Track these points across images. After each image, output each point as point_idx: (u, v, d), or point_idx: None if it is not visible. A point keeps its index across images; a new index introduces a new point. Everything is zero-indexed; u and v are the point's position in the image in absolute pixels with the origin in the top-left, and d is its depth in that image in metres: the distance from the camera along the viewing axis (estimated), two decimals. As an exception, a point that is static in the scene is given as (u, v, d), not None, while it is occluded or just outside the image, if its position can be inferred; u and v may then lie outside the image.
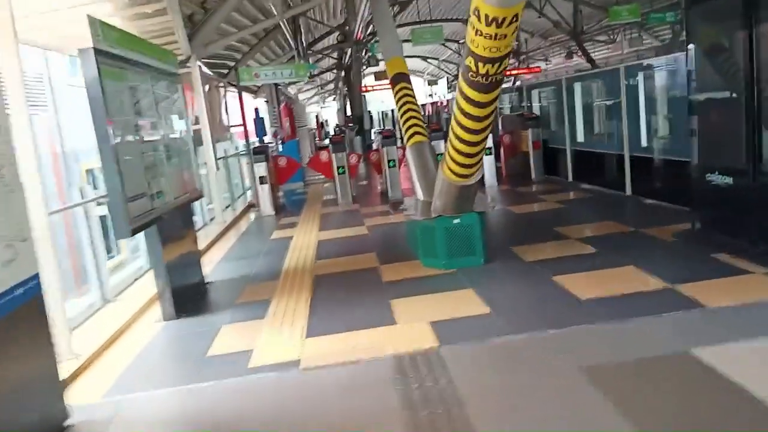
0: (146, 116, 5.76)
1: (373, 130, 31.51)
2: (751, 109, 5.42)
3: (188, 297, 6.12)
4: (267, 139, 18.92)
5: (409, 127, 8.19)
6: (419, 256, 6.68)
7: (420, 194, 7.27)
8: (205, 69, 12.63)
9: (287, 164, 12.40)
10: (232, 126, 15.14)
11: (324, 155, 12.35)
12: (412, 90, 8.87)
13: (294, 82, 27.39)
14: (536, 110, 12.68)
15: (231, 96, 18.34)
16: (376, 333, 4.74)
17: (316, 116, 43.55)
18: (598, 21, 26.26)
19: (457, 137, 5.22)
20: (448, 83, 43.80)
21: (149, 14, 8.45)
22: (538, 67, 29.87)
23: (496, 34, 4.08)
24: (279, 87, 23.82)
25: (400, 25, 23.95)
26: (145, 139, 5.64)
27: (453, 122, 5.24)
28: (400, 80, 8.96)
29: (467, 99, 4.75)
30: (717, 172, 6.04)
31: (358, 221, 9.78)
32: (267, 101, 19.36)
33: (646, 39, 25.95)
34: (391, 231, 8.74)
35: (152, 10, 8.27)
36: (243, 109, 13.52)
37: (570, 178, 11.15)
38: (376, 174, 13.39)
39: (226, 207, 12.55)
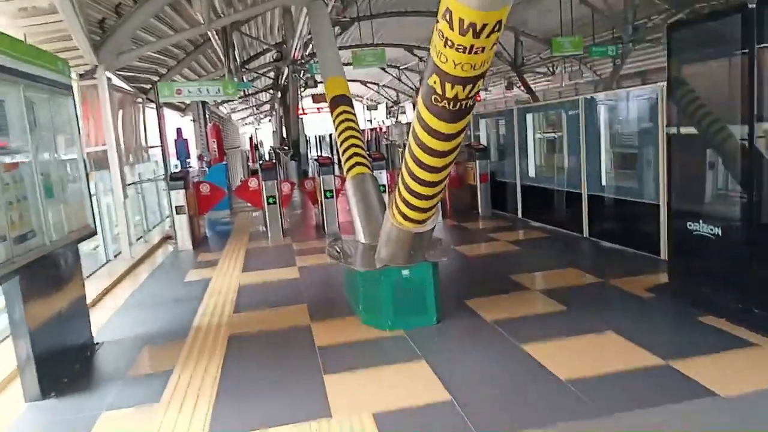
0: (11, 135, 4.46)
1: (309, 156, 30.38)
2: (750, 147, 4.66)
3: (66, 365, 4.79)
4: (193, 161, 17.50)
5: (350, 157, 7.13)
6: (358, 311, 5.59)
7: (361, 236, 6.20)
8: (118, 82, 11.23)
9: (210, 192, 11.09)
10: (152, 147, 13.69)
11: (253, 182, 11.12)
12: (354, 114, 7.83)
13: (225, 101, 26.01)
14: (483, 141, 11.89)
15: (155, 114, 16.86)
16: (304, 432, 3.59)
17: (250, 137, 41.95)
18: (539, 53, 26.29)
19: (413, 176, 4.19)
20: (387, 108, 43.27)
21: (34, 12, 7.09)
22: (477, 94, 29.57)
23: (472, 47, 3.09)
24: (209, 106, 22.42)
25: (341, 47, 23.08)
26: (9, 163, 4.34)
27: (407, 157, 4.21)
28: (340, 103, 7.91)
29: (428, 130, 3.74)
30: (701, 220, 5.25)
31: (289, 260, 8.60)
32: (194, 120, 17.94)
33: (585, 73, 26.08)
34: (327, 274, 7.60)
35: (31, 6, 6.90)
36: (162, 129, 12.13)
37: (519, 215, 10.35)
38: (311, 204, 12.26)
39: (138, 239, 11.09)
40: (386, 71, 36.25)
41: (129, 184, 10.78)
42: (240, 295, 6.87)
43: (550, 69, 26.92)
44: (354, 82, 40.51)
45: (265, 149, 44.89)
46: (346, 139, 7.45)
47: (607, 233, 7.87)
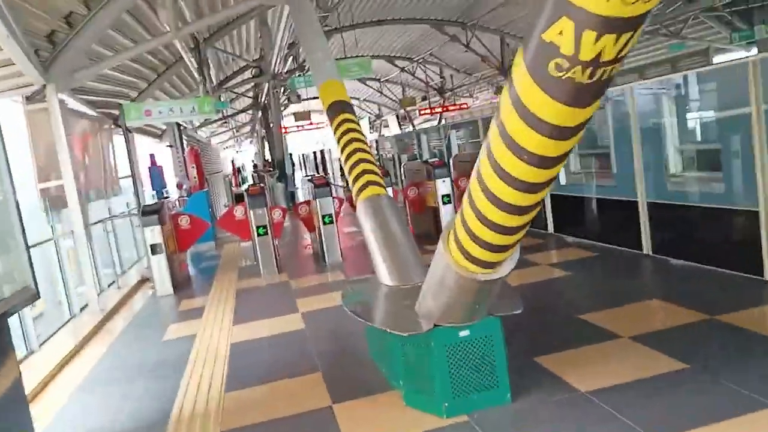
0: None
1: (299, 176, 28.71)
2: None
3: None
4: (172, 190, 15.84)
5: (360, 175, 5.59)
6: (397, 384, 4.03)
7: (384, 275, 4.67)
8: (79, 107, 9.61)
9: (191, 225, 9.48)
10: (124, 177, 12.03)
11: (239, 211, 9.53)
12: (358, 123, 6.30)
13: (202, 125, 24.38)
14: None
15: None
16: None
17: (232, 161, 40.27)
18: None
19: (493, 199, 2.65)
20: (370, 123, 41.85)
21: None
22: (465, 103, 28.28)
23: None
24: (186, 130, 20.79)
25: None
26: None
27: (482, 173, 2.66)
28: (340, 110, 6.36)
29: (532, 122, 2.17)
30: None
31: (289, 303, 7.01)
32: (170, 146, 16.30)
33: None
34: (339, 322, 6.01)
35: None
36: (133, 157, 10.51)
37: (550, 229, 8.85)
38: (304, 230, 10.68)
39: (111, 284, 9.42)
40: (367, 84, 34.96)
41: (94, 223, 9.14)
42: (233, 361, 5.27)
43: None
44: (335, 98, 39.12)
45: (248, 172, 43.25)
46: (352, 153, 5.89)
47: (679, 249, 6.34)
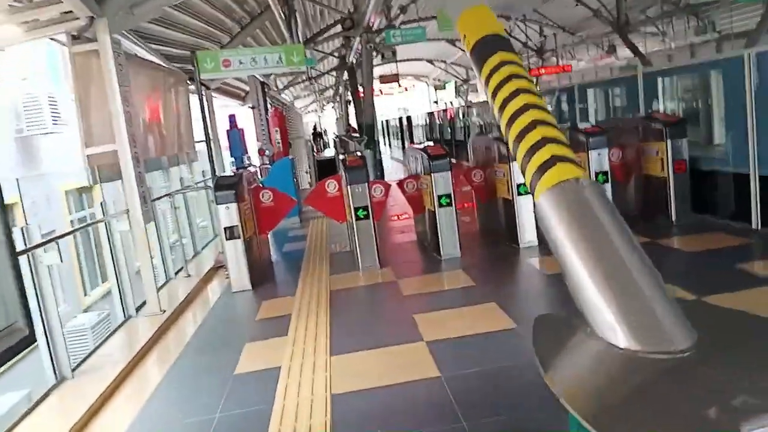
0: None
1: (398, 146, 26.44)
2: None
3: None
4: (253, 157, 14.11)
5: (537, 146, 3.28)
6: None
7: (610, 329, 2.44)
8: (142, 53, 7.80)
9: (275, 201, 7.57)
10: (199, 141, 10.28)
11: (332, 185, 7.51)
12: (524, 68, 3.99)
13: (286, 86, 22.61)
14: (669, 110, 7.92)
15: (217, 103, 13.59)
16: None
17: (314, 126, 38.68)
18: (643, 9, 21.62)
19: None
20: (456, 88, 39.03)
21: None
22: (569, 65, 25.11)
23: None
24: (270, 91, 19.06)
25: (408, 22, 19.24)
26: None
27: None
28: (494, 49, 4.03)
29: None
30: None
31: (404, 322, 4.94)
32: (253, 107, 14.51)
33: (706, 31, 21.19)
34: (496, 370, 3.87)
35: None
36: (209, 116, 8.67)
37: (756, 224, 6.31)
38: (410, 213, 8.55)
39: (179, 271, 7.68)
40: (456, 45, 32.16)
41: (158, 198, 7.37)
42: (336, 428, 3.28)
43: (660, 28, 22.14)
44: (419, 61, 36.54)
45: (329, 137, 41.64)
46: (519, 111, 3.53)
47: None
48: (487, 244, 7.42)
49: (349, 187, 6.79)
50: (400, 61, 33.48)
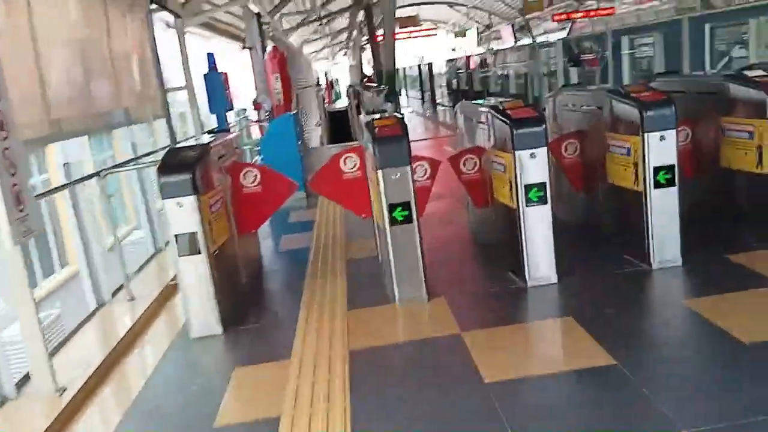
0: None
1: (418, 97, 23.16)
2: None
3: None
4: (249, 112, 11.30)
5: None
6: None
7: None
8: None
9: (264, 185, 4.88)
10: (173, 89, 7.47)
11: (350, 162, 4.78)
12: None
13: (293, 28, 19.52)
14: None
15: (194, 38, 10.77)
16: None
17: (326, 74, 35.40)
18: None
19: None
20: (478, 34, 35.41)
21: None
22: (612, 8, 21.71)
23: None
24: (273, 33, 16.06)
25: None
26: None
27: None
28: None
29: None
30: None
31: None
32: (250, 48, 11.58)
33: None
34: None
35: None
36: (157, 54, 5.83)
37: None
38: (472, 204, 5.79)
39: (115, 292, 5.02)
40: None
41: (79, 180, 4.70)
42: None
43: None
44: (438, 4, 32.88)
45: (342, 88, 38.39)
46: None
47: None
48: (593, 258, 4.67)
49: (380, 171, 4.02)
50: (418, 3, 29.98)
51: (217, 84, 7.18)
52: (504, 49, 21.13)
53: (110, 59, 5.91)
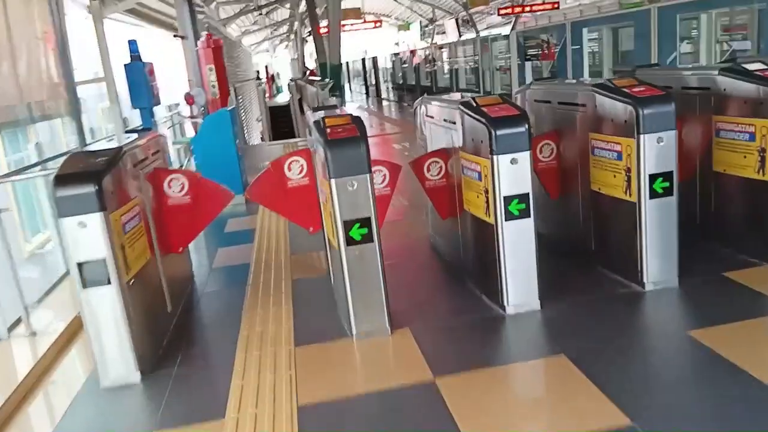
0: None
1: (362, 91, 22.36)
2: None
3: None
4: (182, 108, 10.30)
5: None
6: None
7: None
8: None
9: (193, 195, 4.10)
10: (85, 82, 6.48)
11: (295, 168, 4.06)
12: None
13: (232, 17, 18.43)
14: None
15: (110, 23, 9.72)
16: None
17: (266, 67, 34.10)
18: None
19: None
20: (421, 28, 35.03)
21: None
22: (557, 1, 21.64)
23: None
24: (210, 23, 15.04)
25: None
26: None
27: None
28: None
29: None
30: None
31: None
32: (183, 37, 10.58)
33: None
34: None
35: None
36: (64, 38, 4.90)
37: None
38: (428, 210, 5.17)
39: (14, 324, 4.11)
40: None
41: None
42: None
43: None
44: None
45: (283, 82, 37.19)
46: None
47: None
48: (577, 279, 4.09)
49: (333, 181, 3.31)
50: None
51: (140, 76, 6.23)
52: (452, 43, 20.67)
53: (9, 48, 4.95)
